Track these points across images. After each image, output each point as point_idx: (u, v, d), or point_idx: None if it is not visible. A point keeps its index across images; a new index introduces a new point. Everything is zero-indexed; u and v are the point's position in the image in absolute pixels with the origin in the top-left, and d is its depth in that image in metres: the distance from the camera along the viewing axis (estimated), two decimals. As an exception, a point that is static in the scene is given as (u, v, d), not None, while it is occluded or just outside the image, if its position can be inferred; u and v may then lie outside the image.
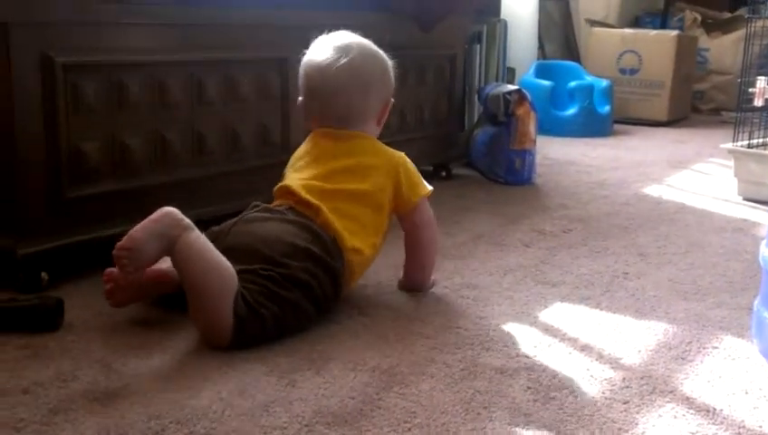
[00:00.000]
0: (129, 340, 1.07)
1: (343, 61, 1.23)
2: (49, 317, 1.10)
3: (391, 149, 1.27)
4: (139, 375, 0.98)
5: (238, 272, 1.06)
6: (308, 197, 1.17)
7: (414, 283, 1.31)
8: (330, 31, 1.30)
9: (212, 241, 1.08)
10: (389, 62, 1.30)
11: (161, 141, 1.39)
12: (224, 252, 1.07)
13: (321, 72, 1.24)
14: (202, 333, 1.07)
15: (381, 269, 1.38)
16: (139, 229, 1.02)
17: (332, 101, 1.24)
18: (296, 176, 1.23)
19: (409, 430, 0.87)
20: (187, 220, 1.05)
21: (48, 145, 1.23)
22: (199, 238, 1.05)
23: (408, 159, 1.27)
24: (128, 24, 1.32)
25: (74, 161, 1.26)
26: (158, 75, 1.37)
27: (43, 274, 1.23)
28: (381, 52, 1.29)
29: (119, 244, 1.02)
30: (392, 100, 1.33)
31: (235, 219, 1.18)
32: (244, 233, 1.14)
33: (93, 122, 1.29)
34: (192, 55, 1.42)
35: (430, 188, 1.29)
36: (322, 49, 1.26)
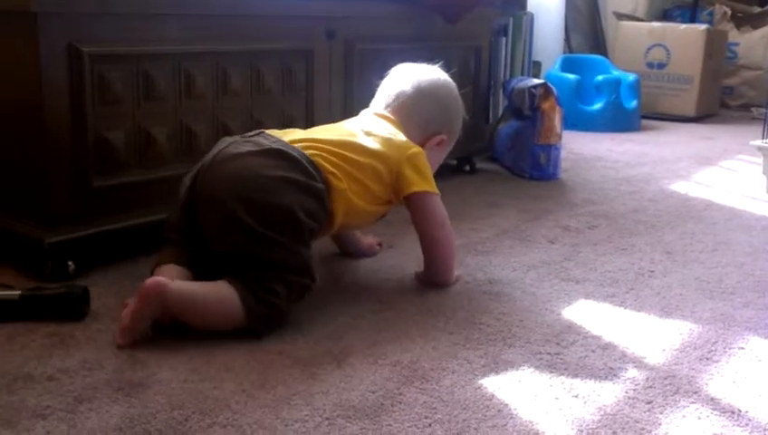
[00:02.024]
0: (153, 330, 1.08)
1: (432, 77, 1.35)
2: (75, 306, 1.11)
3: (409, 144, 1.27)
4: (162, 365, 0.98)
5: (232, 262, 1.08)
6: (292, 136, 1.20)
7: (429, 277, 1.30)
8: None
9: (188, 187, 1.13)
10: (460, 112, 1.38)
11: (186, 131, 1.40)
12: (201, 202, 1.11)
13: (404, 71, 1.35)
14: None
15: (404, 264, 1.38)
16: (130, 318, 1.03)
17: (394, 92, 1.32)
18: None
19: (430, 425, 0.87)
20: (162, 280, 1.02)
21: (75, 135, 1.24)
22: (180, 288, 1.04)
23: (421, 157, 1.26)
24: (154, 14, 1.33)
25: (101, 151, 1.27)
26: (184, 66, 1.37)
27: (70, 263, 1.24)
28: (461, 103, 1.39)
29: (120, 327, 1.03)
30: (448, 142, 1.36)
31: (209, 159, 1.14)
32: (219, 179, 1.11)
33: (119, 112, 1.29)
34: (217, 46, 1.43)
35: (436, 191, 1.27)
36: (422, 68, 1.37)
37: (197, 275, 1.12)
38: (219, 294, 1.05)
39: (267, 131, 1.20)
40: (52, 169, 1.23)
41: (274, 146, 1.14)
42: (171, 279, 1.05)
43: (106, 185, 1.29)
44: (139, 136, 1.33)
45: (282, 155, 1.13)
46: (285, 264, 1.09)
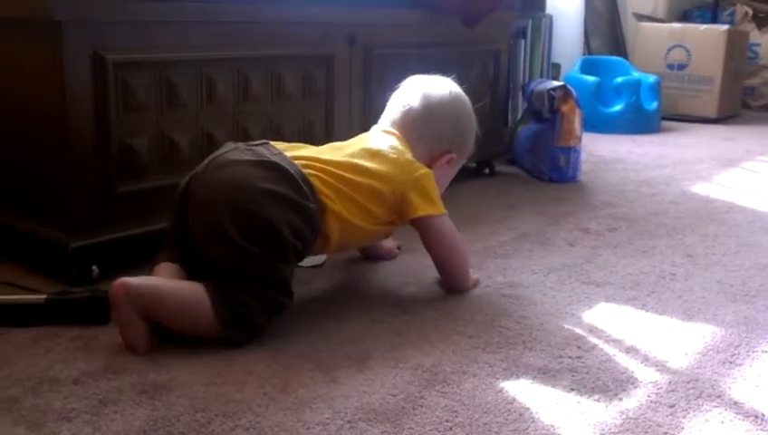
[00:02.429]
0: (176, 334, 1.09)
1: (442, 92, 1.32)
2: (99, 310, 1.12)
3: (415, 165, 1.24)
4: (185, 369, 0.99)
5: (207, 267, 1.07)
6: (293, 153, 1.18)
7: (446, 285, 1.30)
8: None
9: (183, 190, 1.13)
10: (472, 129, 1.35)
11: (208, 137, 1.41)
12: (191, 204, 1.11)
13: (413, 85, 1.33)
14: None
15: (425, 268, 1.38)
16: (119, 330, 1.04)
17: (403, 109, 1.31)
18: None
19: (451, 429, 0.87)
20: (125, 279, 1.03)
21: (99, 141, 1.26)
22: (147, 285, 1.04)
23: (428, 178, 1.24)
24: (176, 21, 1.34)
25: (124, 157, 1.29)
26: (206, 72, 1.39)
27: (94, 267, 1.26)
28: (473, 119, 1.36)
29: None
30: (458, 160, 1.34)
31: (205, 163, 1.14)
32: (211, 184, 1.11)
33: (143, 119, 1.31)
34: (238, 52, 1.44)
35: (442, 211, 1.25)
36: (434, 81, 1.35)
37: (192, 273, 1.12)
38: (191, 296, 1.05)
39: (272, 143, 1.18)
40: (77, 175, 1.25)
41: (273, 159, 1.13)
42: (169, 277, 1.07)
43: (129, 190, 1.30)
44: (161, 142, 1.34)
45: (277, 168, 1.11)
46: (262, 279, 1.06)
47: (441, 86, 1.34)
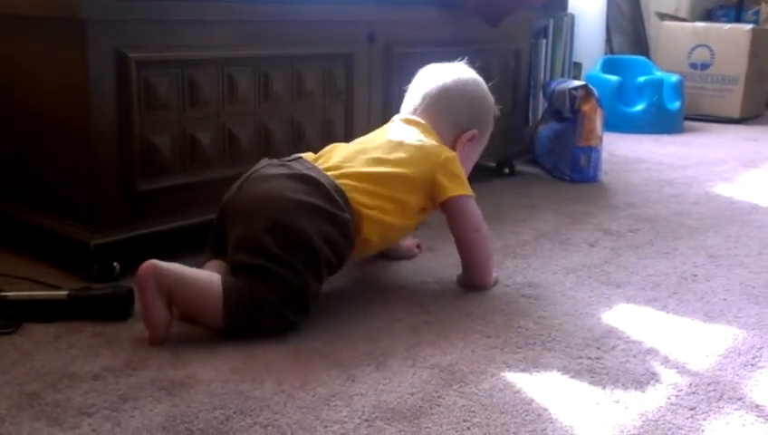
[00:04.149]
0: (195, 330, 1.10)
1: (456, 74, 1.36)
2: (121, 306, 1.13)
3: (441, 149, 1.28)
4: (205, 365, 1.00)
5: (236, 268, 1.09)
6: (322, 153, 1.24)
7: (468, 281, 1.31)
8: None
9: (224, 205, 1.16)
10: (490, 106, 1.38)
11: (229, 136, 1.42)
12: (229, 217, 1.14)
13: (428, 72, 1.37)
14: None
15: (444, 267, 1.38)
16: (143, 309, 1.05)
17: (420, 94, 1.34)
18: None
19: (468, 429, 0.87)
20: (155, 260, 1.05)
21: (121, 139, 1.27)
22: (171, 265, 1.06)
23: (454, 161, 1.27)
24: (198, 20, 1.35)
25: (146, 155, 1.30)
26: (227, 71, 1.39)
27: (116, 264, 1.27)
28: (490, 98, 1.38)
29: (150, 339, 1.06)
30: (481, 137, 1.36)
31: (242, 180, 1.18)
32: (248, 197, 1.14)
33: (165, 117, 1.32)
34: (260, 51, 1.44)
35: (471, 193, 1.27)
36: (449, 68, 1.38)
37: None
38: (206, 284, 1.06)
39: (304, 156, 1.23)
40: (99, 172, 1.26)
41: (306, 172, 1.16)
42: (218, 272, 1.09)
43: (151, 188, 1.31)
44: (183, 140, 1.35)
45: (309, 180, 1.15)
46: (288, 291, 1.07)
47: (455, 70, 1.38)
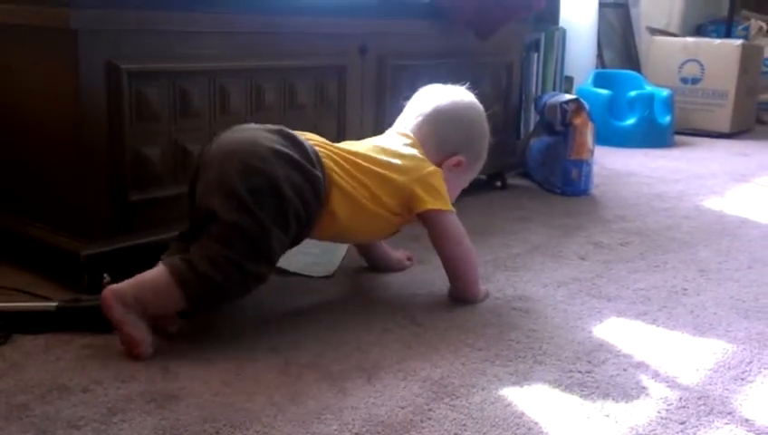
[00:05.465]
0: (186, 343, 1.09)
1: (453, 98, 1.36)
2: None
3: (425, 163, 1.28)
4: (195, 378, 0.99)
5: (208, 224, 1.08)
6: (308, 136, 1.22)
7: (457, 294, 1.30)
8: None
9: (198, 157, 1.16)
10: (482, 134, 1.37)
11: (220, 147, 1.42)
12: (202, 165, 1.12)
13: (427, 92, 1.37)
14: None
15: (434, 279, 1.38)
16: (119, 333, 1.05)
17: (415, 113, 1.34)
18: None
19: (460, 442, 0.87)
20: (112, 286, 1.05)
21: (112, 150, 1.27)
22: (130, 284, 1.05)
23: (436, 176, 1.27)
24: (190, 32, 1.35)
25: (137, 166, 1.30)
26: (219, 82, 1.39)
27: (106, 275, 1.26)
28: (485, 126, 1.37)
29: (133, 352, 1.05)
30: (468, 164, 1.34)
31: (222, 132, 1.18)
32: (223, 144, 1.14)
33: (156, 128, 1.32)
34: (252, 63, 1.45)
35: (450, 209, 1.27)
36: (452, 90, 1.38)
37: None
38: (159, 278, 1.06)
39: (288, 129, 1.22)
40: (90, 183, 1.26)
41: (285, 129, 1.17)
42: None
43: (142, 199, 1.31)
44: (174, 151, 1.35)
45: (287, 136, 1.16)
46: (252, 241, 1.07)
47: (453, 93, 1.37)
